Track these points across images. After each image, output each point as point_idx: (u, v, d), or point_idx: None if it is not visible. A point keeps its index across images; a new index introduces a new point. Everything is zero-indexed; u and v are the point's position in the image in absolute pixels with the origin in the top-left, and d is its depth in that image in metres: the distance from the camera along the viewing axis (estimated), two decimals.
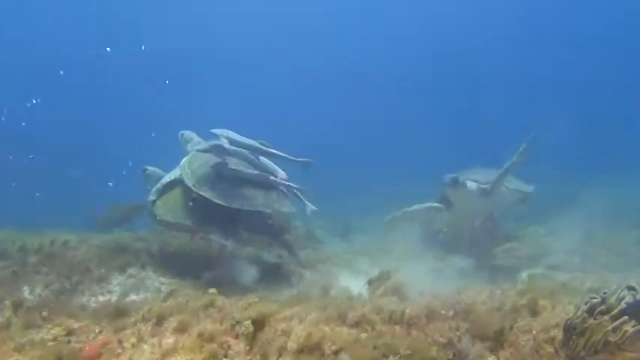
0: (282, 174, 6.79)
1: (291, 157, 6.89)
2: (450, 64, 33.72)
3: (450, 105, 31.37)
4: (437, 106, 31.10)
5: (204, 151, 6.38)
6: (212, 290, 4.64)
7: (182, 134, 7.02)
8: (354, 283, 5.52)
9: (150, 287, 5.54)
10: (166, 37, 26.88)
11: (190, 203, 6.27)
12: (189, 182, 6.23)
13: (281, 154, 6.85)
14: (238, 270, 6.13)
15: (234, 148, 6.48)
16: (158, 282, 5.71)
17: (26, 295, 5.25)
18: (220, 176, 6.37)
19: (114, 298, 5.40)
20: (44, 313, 4.08)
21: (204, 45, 31.27)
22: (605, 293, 3.58)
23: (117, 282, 5.66)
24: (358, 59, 33.31)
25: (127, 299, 5.30)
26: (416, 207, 7.57)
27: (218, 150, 6.36)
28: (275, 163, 6.94)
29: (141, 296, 5.33)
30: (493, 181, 7.09)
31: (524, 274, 5.55)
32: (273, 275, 6.71)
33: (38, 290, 5.43)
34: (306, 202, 6.80)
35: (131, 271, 5.89)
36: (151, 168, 7.12)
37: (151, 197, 6.61)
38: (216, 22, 33.16)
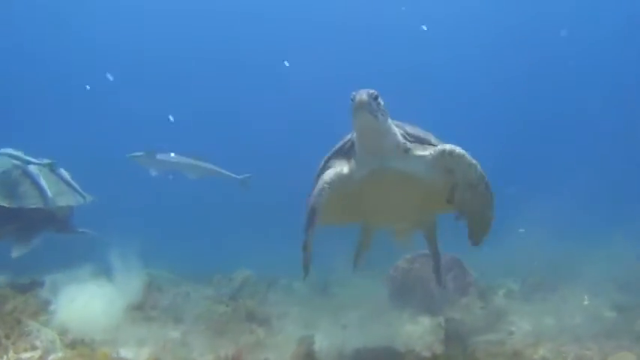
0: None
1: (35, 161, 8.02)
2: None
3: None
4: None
5: None
6: (103, 351, 4.35)
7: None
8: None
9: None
10: None
11: None
12: None
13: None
14: None
15: None
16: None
17: None
18: (5, 181, 7.38)
19: (36, 356, 5.07)
20: None
21: None
22: None
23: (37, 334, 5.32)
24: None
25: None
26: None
27: None
28: None
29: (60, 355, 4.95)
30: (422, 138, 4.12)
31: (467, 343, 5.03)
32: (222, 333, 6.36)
33: None
34: (84, 193, 8.09)
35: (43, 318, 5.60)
36: None
37: None
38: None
